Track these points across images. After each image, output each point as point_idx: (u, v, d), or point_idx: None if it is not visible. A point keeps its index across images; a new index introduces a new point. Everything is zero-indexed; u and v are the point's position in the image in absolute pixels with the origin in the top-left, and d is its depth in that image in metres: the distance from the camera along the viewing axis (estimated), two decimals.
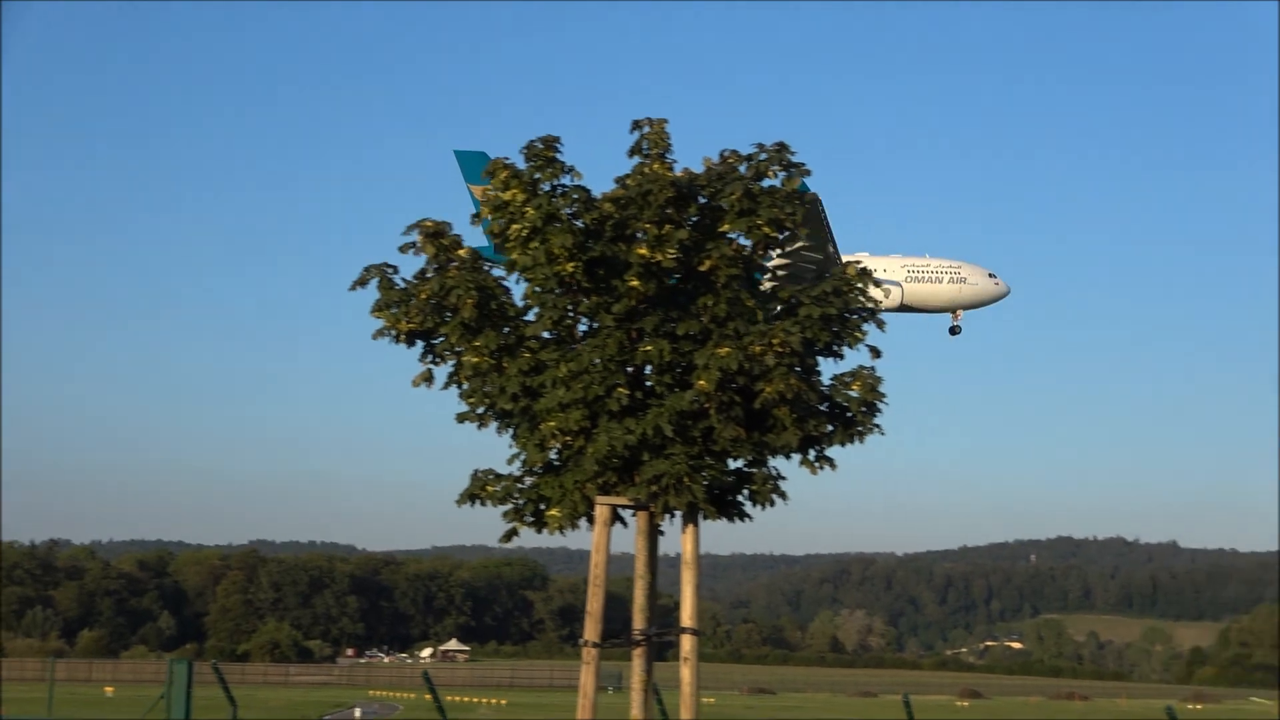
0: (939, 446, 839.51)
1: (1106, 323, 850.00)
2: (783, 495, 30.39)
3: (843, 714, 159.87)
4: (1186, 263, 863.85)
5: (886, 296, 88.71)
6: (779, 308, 30.83)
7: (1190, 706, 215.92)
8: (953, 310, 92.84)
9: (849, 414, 30.43)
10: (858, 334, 30.60)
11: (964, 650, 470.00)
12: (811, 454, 30.57)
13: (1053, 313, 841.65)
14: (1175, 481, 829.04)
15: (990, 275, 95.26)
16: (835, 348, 30.64)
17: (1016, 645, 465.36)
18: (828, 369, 30.75)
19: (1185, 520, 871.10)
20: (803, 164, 30.62)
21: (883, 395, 30.44)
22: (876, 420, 30.60)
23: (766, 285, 31.42)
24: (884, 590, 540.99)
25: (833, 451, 30.75)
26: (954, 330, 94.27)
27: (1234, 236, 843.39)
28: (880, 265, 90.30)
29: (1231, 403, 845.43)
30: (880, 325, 30.80)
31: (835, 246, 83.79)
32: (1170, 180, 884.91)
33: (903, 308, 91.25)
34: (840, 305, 30.36)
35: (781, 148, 30.61)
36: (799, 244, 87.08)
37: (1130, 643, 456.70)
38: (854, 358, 30.75)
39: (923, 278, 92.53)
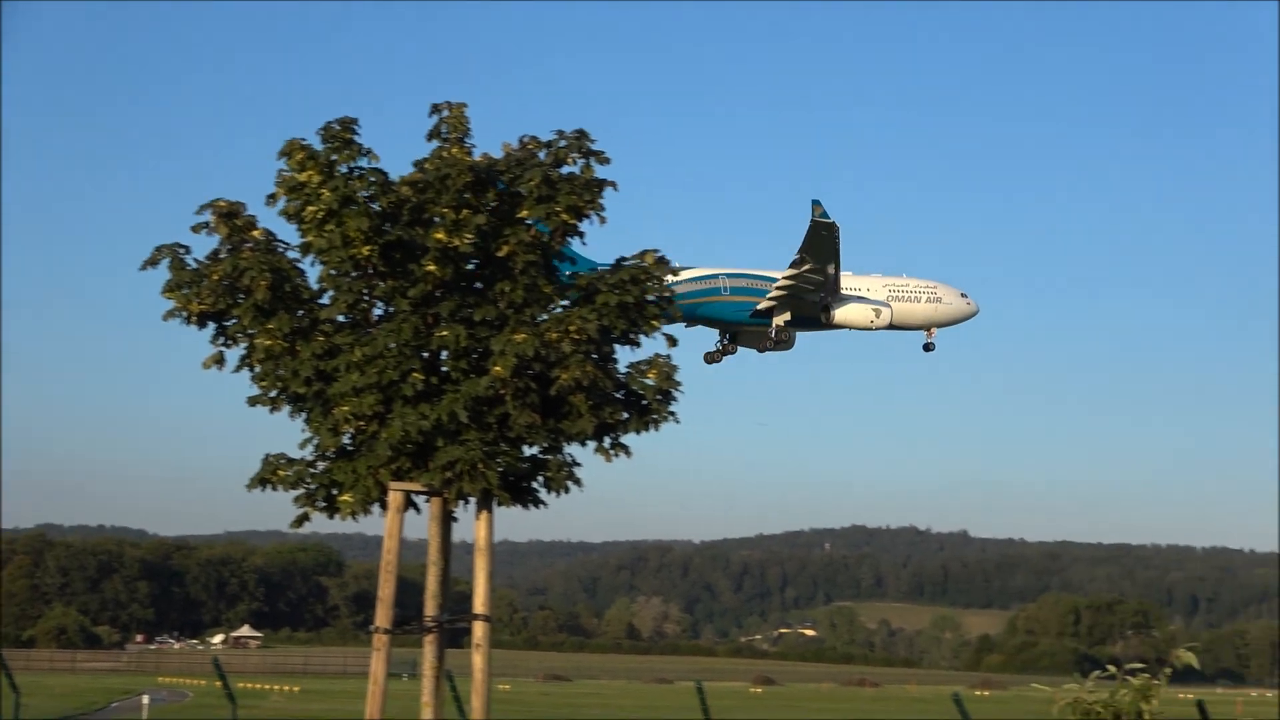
0: (735, 435, 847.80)
1: None
2: (577, 482, 30.42)
3: (638, 701, 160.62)
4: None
5: (879, 316, 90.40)
6: (577, 295, 30.82)
7: (977, 693, 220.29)
8: (927, 329, 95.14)
9: (644, 401, 30.52)
10: (654, 322, 30.69)
11: (758, 637, 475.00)
12: (607, 441, 30.61)
13: None
14: (965, 472, 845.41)
15: (962, 295, 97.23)
16: (632, 336, 30.70)
17: (810, 632, 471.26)
18: (624, 357, 30.82)
19: (975, 510, 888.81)
20: (602, 152, 30.66)
21: (678, 383, 30.58)
22: (672, 408, 30.72)
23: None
24: (681, 577, 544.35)
25: (629, 439, 30.83)
26: (928, 347, 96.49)
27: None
28: (863, 285, 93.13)
29: (1018, 394, 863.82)
30: (678, 315, 30.88)
31: (839, 270, 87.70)
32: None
33: (890, 326, 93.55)
34: (637, 294, 30.42)
35: (581, 135, 30.61)
36: (806, 266, 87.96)
37: (921, 630, 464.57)
38: (650, 346, 30.87)
39: (903, 297, 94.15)
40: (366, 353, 29.40)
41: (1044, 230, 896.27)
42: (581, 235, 31.01)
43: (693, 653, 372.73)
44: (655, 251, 31.21)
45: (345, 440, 30.12)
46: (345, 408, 29.39)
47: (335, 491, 30.21)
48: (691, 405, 32.03)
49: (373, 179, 30.05)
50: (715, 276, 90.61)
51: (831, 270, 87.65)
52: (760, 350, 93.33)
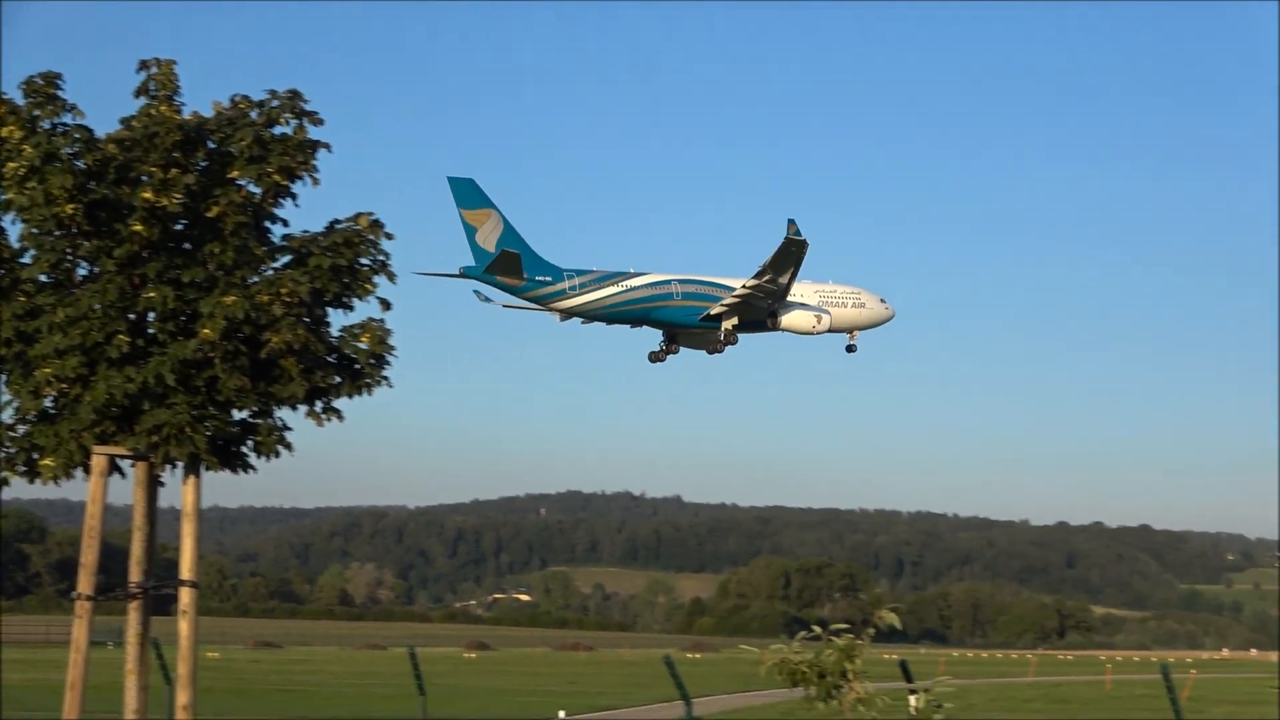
0: (451, 400, 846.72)
1: None
2: (288, 446, 30.05)
3: (350, 668, 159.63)
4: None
5: (819, 322, 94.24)
6: (288, 257, 30.37)
7: (689, 656, 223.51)
8: (850, 331, 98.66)
9: (357, 366, 30.24)
10: (368, 286, 30.38)
11: (473, 603, 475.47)
12: (319, 405, 30.26)
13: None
14: (679, 439, 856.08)
15: (882, 300, 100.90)
16: (345, 299, 30.35)
17: (524, 597, 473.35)
18: (336, 320, 30.49)
19: (689, 476, 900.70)
20: (315, 113, 30.24)
21: (392, 348, 30.35)
22: (385, 373, 30.49)
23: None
24: (395, 544, 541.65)
25: (341, 403, 30.53)
26: (850, 349, 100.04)
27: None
28: (796, 290, 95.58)
29: (729, 361, 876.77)
30: (391, 278, 30.68)
31: (793, 281, 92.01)
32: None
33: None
34: (351, 256, 30.10)
35: (294, 95, 30.14)
36: (767, 277, 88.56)
37: (635, 594, 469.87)
38: (364, 309, 30.58)
39: (832, 302, 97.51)
40: (70, 314, 28.61)
41: None
42: (294, 197, 30.54)
43: (406, 619, 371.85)
44: (369, 214, 30.87)
45: (47, 403, 29.29)
46: (47, 370, 28.58)
47: (36, 456, 29.40)
48: (408, 369, 31.85)
49: (77, 135, 29.21)
50: (668, 283, 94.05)
51: (786, 281, 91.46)
52: (709, 352, 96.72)
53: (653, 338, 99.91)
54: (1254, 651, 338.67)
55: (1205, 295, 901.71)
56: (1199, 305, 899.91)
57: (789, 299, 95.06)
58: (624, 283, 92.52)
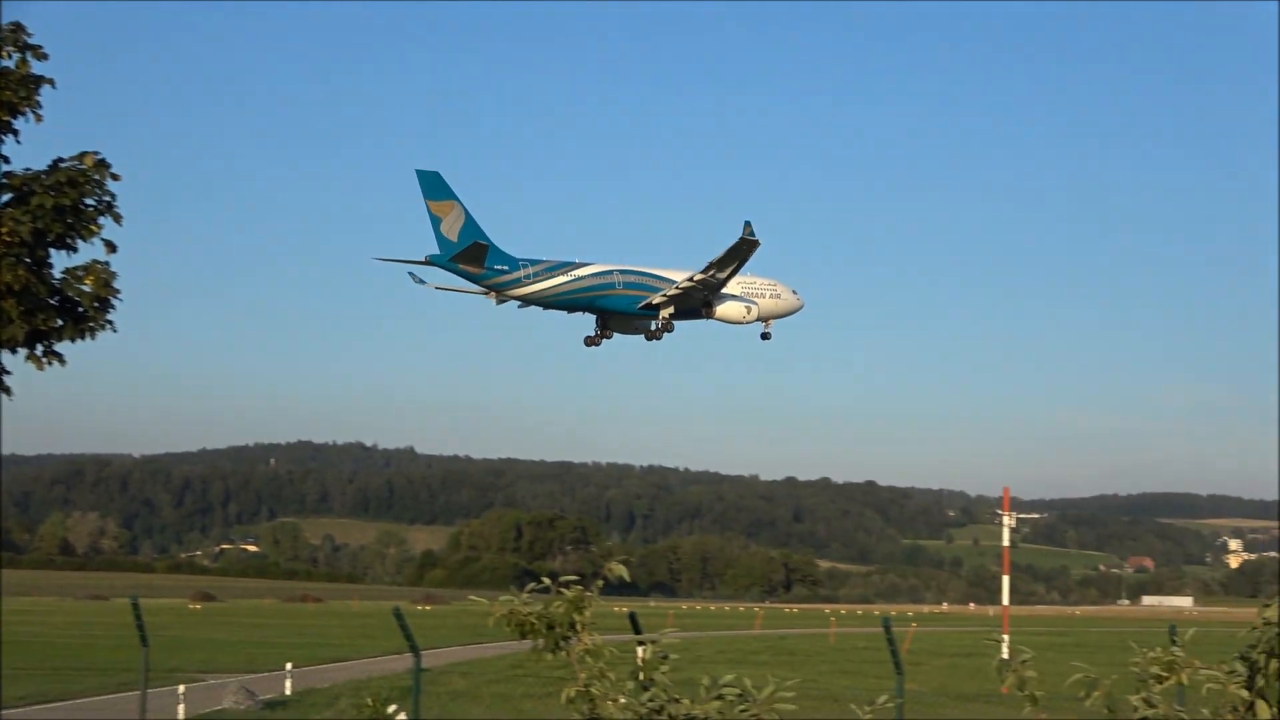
0: (180, 346, 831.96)
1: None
2: (7, 391, 29.14)
3: (70, 619, 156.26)
4: None
5: (749, 313, 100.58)
6: (9, 195, 29.36)
7: (419, 607, 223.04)
8: (766, 320, 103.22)
9: (80, 309, 29.40)
10: (93, 227, 29.53)
11: (199, 553, 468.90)
12: (39, 349, 29.37)
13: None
14: (412, 389, 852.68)
15: (794, 291, 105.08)
16: (69, 240, 29.46)
17: (252, 548, 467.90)
18: (60, 262, 29.58)
19: (422, 427, 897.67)
20: (40, 46, 29.26)
21: (117, 290, 29.54)
22: (110, 316, 29.69)
23: None
24: (119, 492, 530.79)
25: (63, 347, 29.67)
26: (765, 336, 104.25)
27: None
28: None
29: (467, 311, 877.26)
30: (117, 219, 29.88)
31: (733, 276, 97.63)
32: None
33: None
34: (75, 196, 29.21)
35: (17, 28, 29.13)
36: (712, 271, 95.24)
37: (365, 546, 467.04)
38: (89, 251, 29.72)
39: (753, 293, 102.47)
40: None
41: None
42: (15, 134, 29.53)
43: (130, 569, 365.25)
44: (94, 154, 29.99)
45: None
46: None
47: None
48: (133, 313, 31.11)
49: None
50: (610, 273, 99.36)
51: (726, 276, 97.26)
52: (648, 339, 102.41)
53: (583, 322, 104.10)
54: (972, 605, 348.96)
55: (914, 252, 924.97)
56: (910, 262, 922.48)
57: (722, 291, 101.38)
58: (572, 272, 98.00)
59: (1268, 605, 13.60)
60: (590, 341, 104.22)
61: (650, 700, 13.51)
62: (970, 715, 58.82)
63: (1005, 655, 14.24)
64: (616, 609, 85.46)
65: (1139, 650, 13.77)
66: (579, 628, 13.62)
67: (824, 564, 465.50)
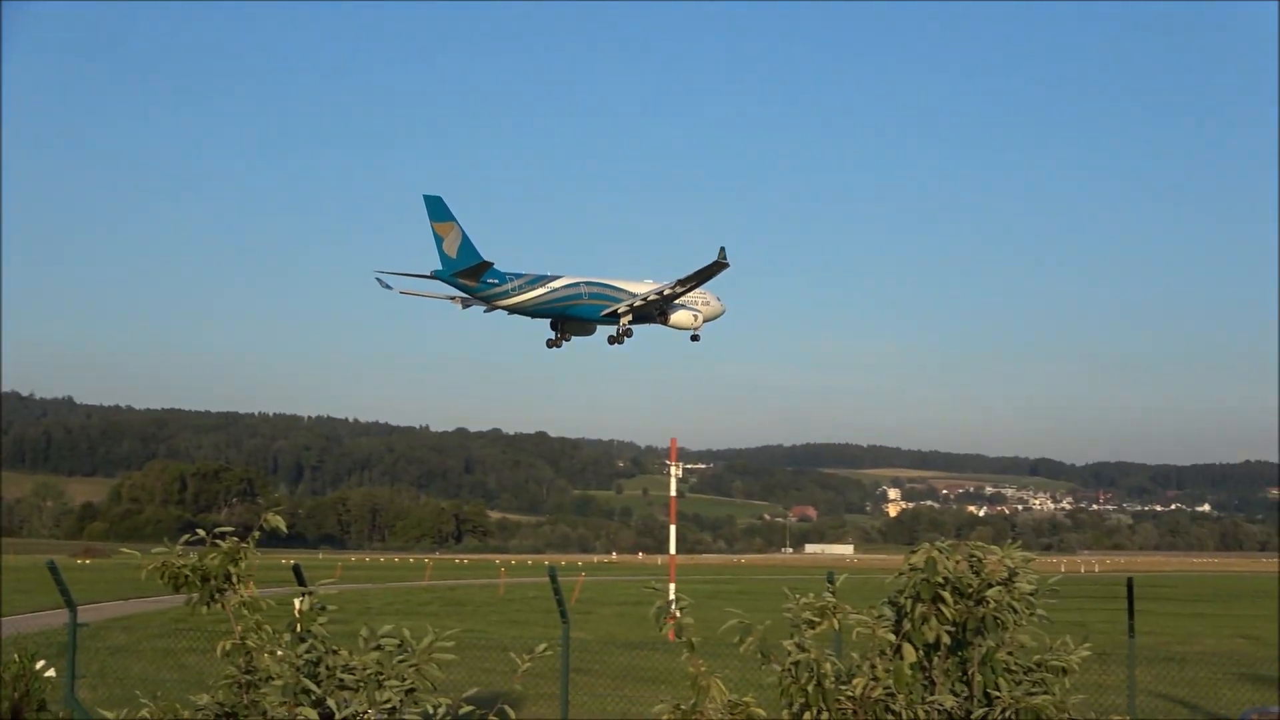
0: None
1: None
2: None
3: None
4: None
5: (696, 320, 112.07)
6: None
7: (78, 561, 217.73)
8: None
9: None
10: None
11: None
12: None
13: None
14: (69, 340, 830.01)
15: (717, 298, 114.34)
16: None
17: None
18: None
19: (80, 376, 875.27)
20: None
21: None
22: None
23: None
24: None
25: None
26: (695, 338, 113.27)
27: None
28: (650, 289, 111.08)
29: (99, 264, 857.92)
30: None
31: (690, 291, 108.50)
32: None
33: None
34: None
35: None
36: (680, 288, 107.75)
37: (21, 498, 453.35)
38: None
39: (692, 300, 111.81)
40: None
41: None
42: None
43: None
44: None
45: None
46: None
47: None
48: None
49: None
50: (579, 285, 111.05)
51: (684, 290, 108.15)
52: (610, 342, 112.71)
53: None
54: (641, 555, 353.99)
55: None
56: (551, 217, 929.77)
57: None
58: (549, 285, 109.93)
59: (914, 552, 14.03)
60: (553, 344, 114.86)
61: (308, 652, 13.36)
62: (633, 662, 59.64)
63: (663, 603, 14.44)
64: (284, 561, 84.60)
65: (792, 596, 14.09)
66: (235, 580, 13.39)
67: (495, 515, 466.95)
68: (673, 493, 79.20)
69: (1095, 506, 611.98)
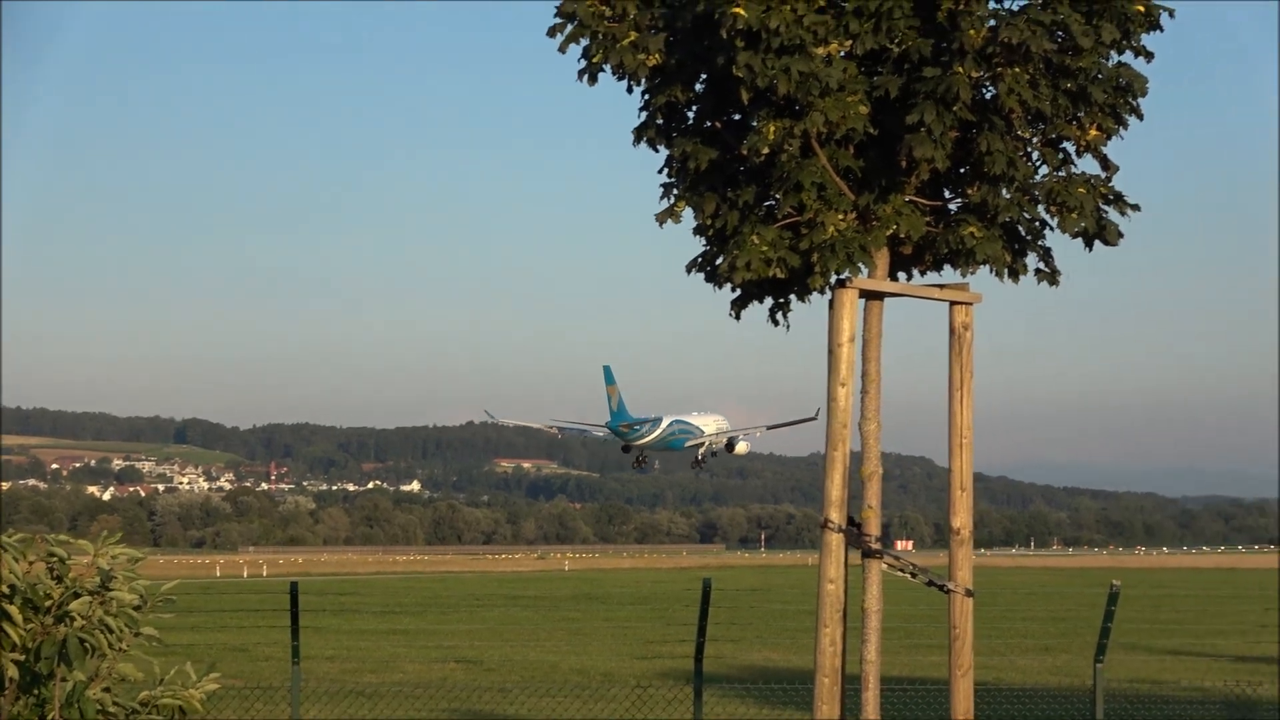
0: None
1: None
2: None
3: None
4: None
5: (747, 446, 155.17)
6: None
7: None
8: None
9: None
10: None
11: None
12: None
13: None
14: None
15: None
16: None
17: None
18: None
19: None
20: None
21: None
22: None
23: None
24: None
25: None
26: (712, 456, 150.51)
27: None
28: (723, 428, 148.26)
29: None
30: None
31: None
32: None
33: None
34: None
35: None
36: (763, 428, 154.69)
37: None
38: None
39: (724, 428, 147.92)
40: None
41: None
42: None
43: None
44: None
45: None
46: None
47: None
48: None
49: None
50: (672, 424, 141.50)
51: (768, 430, 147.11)
52: (692, 467, 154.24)
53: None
54: None
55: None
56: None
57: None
58: (660, 428, 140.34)
59: None
60: (638, 464, 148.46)
61: None
62: None
63: None
64: None
65: None
66: None
67: None
68: None
69: (266, 486, 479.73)
